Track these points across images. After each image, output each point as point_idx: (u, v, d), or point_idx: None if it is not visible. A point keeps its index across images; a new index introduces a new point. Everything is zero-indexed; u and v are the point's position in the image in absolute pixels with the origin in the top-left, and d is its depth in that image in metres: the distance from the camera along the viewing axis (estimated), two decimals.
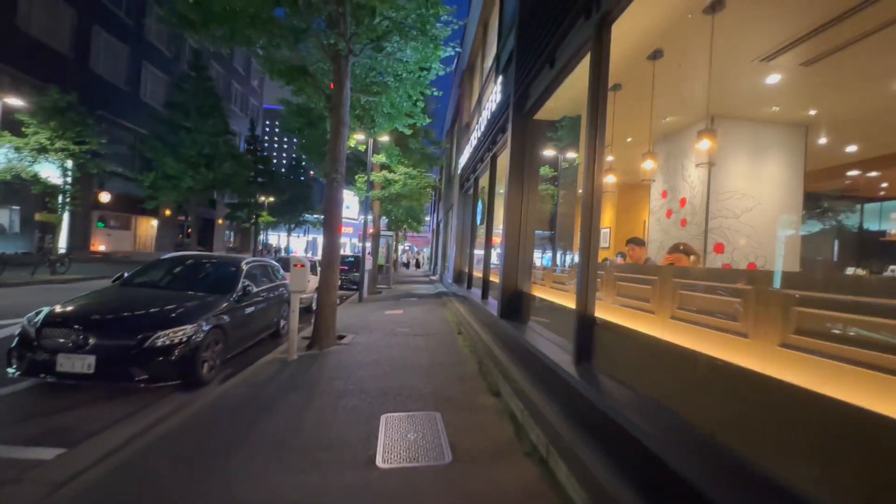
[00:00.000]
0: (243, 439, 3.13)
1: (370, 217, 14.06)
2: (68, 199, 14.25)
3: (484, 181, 10.45)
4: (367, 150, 12.22)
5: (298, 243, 54.86)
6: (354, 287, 13.40)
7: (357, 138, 12.05)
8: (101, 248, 20.84)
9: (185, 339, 4.29)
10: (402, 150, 13.19)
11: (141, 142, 20.14)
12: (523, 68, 5.79)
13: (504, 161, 7.14)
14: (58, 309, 4.35)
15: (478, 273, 9.50)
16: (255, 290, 6.25)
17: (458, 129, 13.91)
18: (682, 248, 4.40)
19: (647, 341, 2.73)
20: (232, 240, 36.29)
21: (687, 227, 6.17)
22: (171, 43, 24.31)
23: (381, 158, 12.89)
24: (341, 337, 7.02)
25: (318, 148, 13.40)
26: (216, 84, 22.79)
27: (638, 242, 5.02)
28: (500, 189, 9.13)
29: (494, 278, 7.62)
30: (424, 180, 13.94)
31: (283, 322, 7.50)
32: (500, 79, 7.59)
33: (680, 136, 6.50)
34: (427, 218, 32.13)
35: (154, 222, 24.74)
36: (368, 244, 14.36)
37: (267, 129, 35.98)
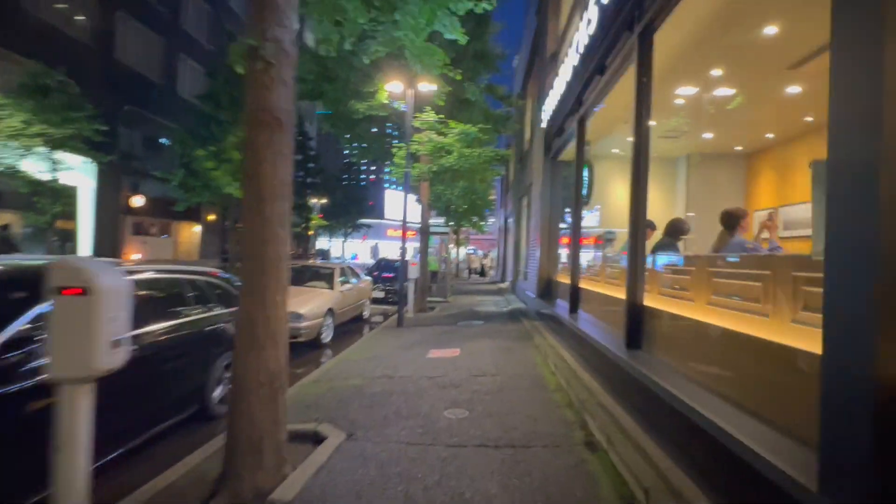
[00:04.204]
0: None
1: (416, 201, 10.13)
2: (56, 201, 11.89)
3: (594, 127, 6.08)
4: (408, 104, 8.33)
5: (359, 248, 53.07)
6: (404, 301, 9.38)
7: (391, 88, 8.19)
8: (136, 256, 19.07)
9: None
10: (456, 102, 9.16)
11: (169, 136, 17.99)
12: None
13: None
14: None
15: (596, 286, 5.15)
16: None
17: (539, 73, 9.58)
18: None
19: None
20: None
21: None
22: (210, 33, 22.44)
23: (429, 117, 8.91)
24: (313, 439, 3.10)
25: (345, 116, 9.77)
26: None
27: None
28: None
29: (657, 304, 3.34)
30: (488, 151, 9.75)
31: (216, 390, 3.76)
32: None
33: None
34: (491, 220, 27.87)
35: (197, 228, 22.93)
36: (414, 244, 10.42)
37: (319, 132, 33.98)
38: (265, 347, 2.54)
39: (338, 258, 43.22)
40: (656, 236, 4.45)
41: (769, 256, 2.21)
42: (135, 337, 3.20)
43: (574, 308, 5.84)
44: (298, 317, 6.56)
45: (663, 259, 3.66)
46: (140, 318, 3.31)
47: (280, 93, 2.55)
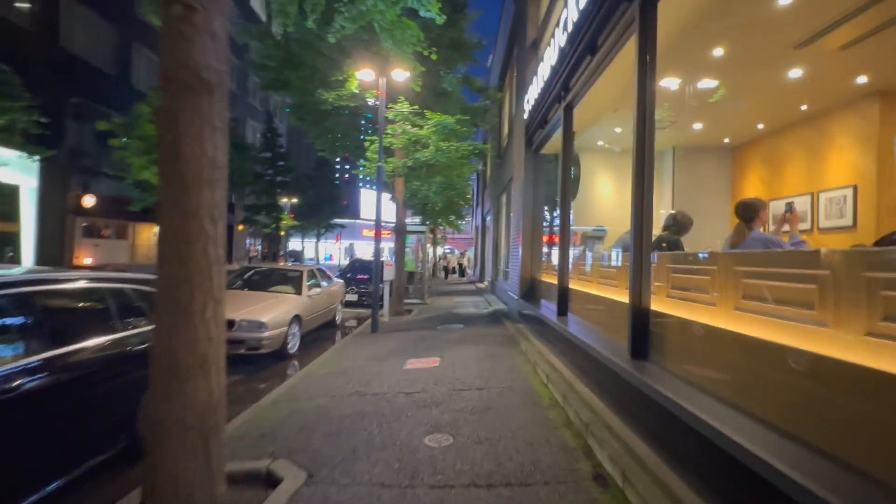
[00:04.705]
0: None
1: (391, 200, 9.56)
2: None
3: (578, 118, 5.65)
4: (379, 94, 7.73)
5: (334, 249, 51.71)
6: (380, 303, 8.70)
7: (361, 77, 7.59)
8: (87, 260, 17.69)
9: None
10: (432, 94, 8.62)
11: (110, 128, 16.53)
12: None
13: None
14: None
15: (588, 286, 4.71)
16: None
17: (519, 63, 9.14)
18: None
19: None
20: (252, 247, 33.19)
21: None
22: None
23: (402, 107, 8.34)
24: (266, 481, 2.52)
25: (312, 107, 9.08)
26: None
27: None
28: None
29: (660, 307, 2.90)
30: (465, 145, 9.25)
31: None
32: None
33: None
34: (468, 219, 27.42)
35: (157, 230, 21.56)
36: (389, 244, 9.81)
37: (289, 128, 32.76)
38: (190, 378, 1.94)
39: (311, 259, 41.99)
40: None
41: (831, 252, 1.75)
42: (46, 360, 2.56)
43: (563, 310, 5.40)
44: (260, 326, 5.90)
45: (672, 257, 3.23)
46: (52, 337, 2.66)
47: (207, 47, 1.96)
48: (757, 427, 1.96)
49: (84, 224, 18.04)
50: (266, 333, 5.89)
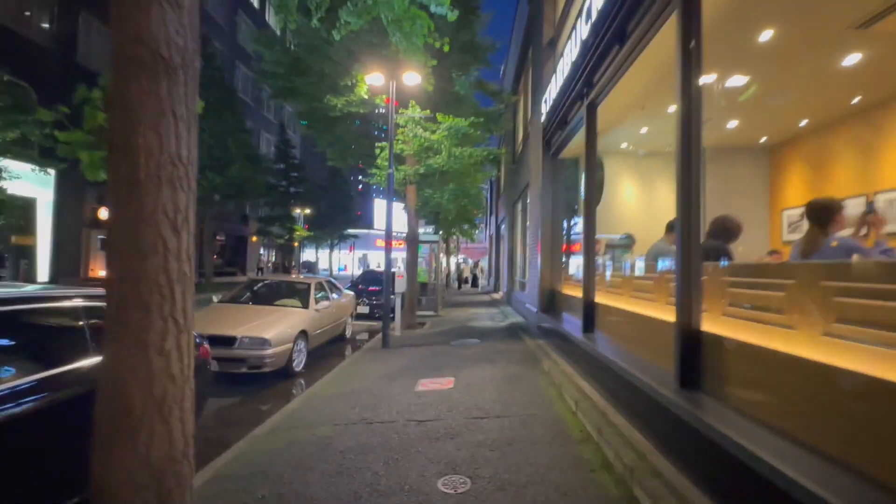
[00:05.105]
0: None
1: (403, 209, 9.23)
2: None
3: (605, 114, 5.21)
4: (390, 97, 7.42)
5: (348, 259, 51.66)
6: (391, 316, 8.26)
7: (371, 81, 7.32)
8: (103, 272, 17.73)
9: None
10: (444, 99, 8.29)
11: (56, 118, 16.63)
12: None
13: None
14: None
15: (619, 301, 4.22)
16: None
17: (535, 64, 8.76)
18: None
19: None
20: (267, 258, 33.24)
21: None
22: None
23: (413, 111, 8.02)
24: None
25: (322, 114, 8.83)
26: (224, 73, 19.33)
27: None
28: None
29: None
30: (479, 150, 8.86)
31: None
32: None
33: None
34: (480, 227, 26.98)
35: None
36: (401, 254, 9.45)
37: (302, 140, 33.04)
38: (144, 425, 1.55)
39: (325, 270, 41.97)
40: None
41: None
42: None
43: (589, 327, 4.92)
44: (263, 343, 5.54)
45: (729, 269, 2.75)
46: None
47: (167, 18, 1.60)
48: (864, 488, 1.48)
49: (101, 237, 18.15)
50: (269, 351, 5.53)
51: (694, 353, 2.68)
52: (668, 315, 3.27)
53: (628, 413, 3.35)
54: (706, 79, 4.72)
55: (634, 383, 3.16)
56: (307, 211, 29.73)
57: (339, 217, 34.73)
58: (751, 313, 2.39)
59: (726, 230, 3.36)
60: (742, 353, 2.35)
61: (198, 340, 3.96)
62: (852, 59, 3.94)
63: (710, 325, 2.68)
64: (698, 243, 2.77)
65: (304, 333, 6.38)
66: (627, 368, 3.31)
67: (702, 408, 2.40)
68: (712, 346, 2.60)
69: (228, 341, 5.45)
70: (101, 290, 3.33)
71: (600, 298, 4.84)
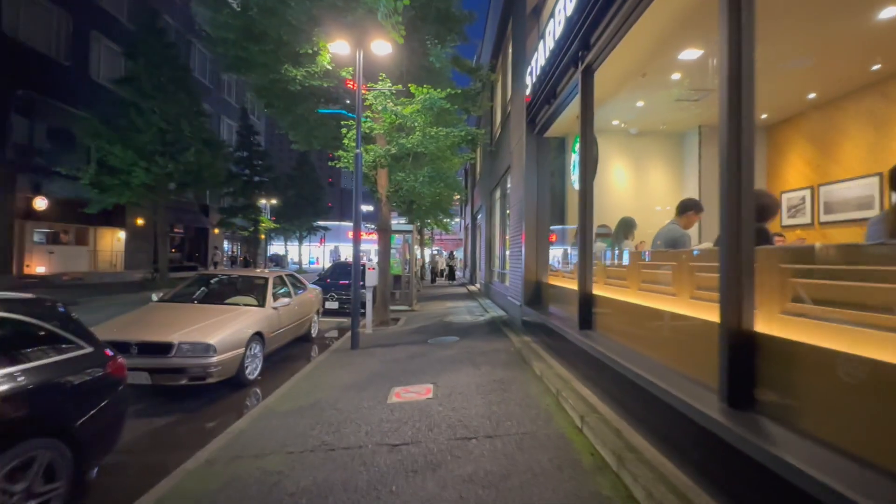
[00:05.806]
0: None
1: (374, 197, 8.44)
2: None
3: (600, 83, 4.57)
4: (356, 71, 6.57)
5: (318, 252, 50.05)
6: (361, 312, 7.43)
7: (335, 50, 6.46)
8: (40, 269, 16.11)
9: None
10: (418, 72, 7.50)
11: (74, 125, 15.20)
12: None
13: None
14: None
15: (626, 294, 3.63)
16: None
17: (514, 39, 8.06)
18: None
19: None
20: (231, 251, 31.55)
21: None
22: (131, 10, 19.58)
23: (385, 85, 7.20)
24: None
25: (281, 89, 7.87)
26: (179, 51, 17.76)
27: None
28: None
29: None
30: (456, 131, 8.13)
31: None
32: None
33: None
34: (456, 219, 26.30)
35: (122, 234, 19.99)
36: (373, 246, 8.63)
37: (268, 127, 31.34)
38: None
39: (295, 263, 40.42)
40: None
41: None
42: None
43: (586, 324, 4.32)
44: (207, 349, 4.68)
45: (790, 253, 2.16)
46: None
47: None
48: None
49: (38, 229, 16.44)
50: (215, 358, 4.67)
51: (747, 362, 2.09)
52: (695, 311, 2.68)
53: (651, 435, 2.75)
54: (695, 53, 4.20)
55: (660, 397, 2.55)
56: (273, 201, 28.28)
57: (309, 208, 33.31)
58: (827, 311, 1.80)
59: (761, 207, 2.78)
60: (817, 361, 1.75)
61: (110, 352, 3.12)
62: (888, 12, 3.43)
63: (764, 325, 2.09)
64: (751, 224, 2.16)
65: (259, 336, 5.55)
66: (647, 377, 2.70)
67: (772, 442, 1.79)
68: (772, 354, 2.00)
69: (164, 348, 4.56)
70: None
71: (599, 290, 4.24)
